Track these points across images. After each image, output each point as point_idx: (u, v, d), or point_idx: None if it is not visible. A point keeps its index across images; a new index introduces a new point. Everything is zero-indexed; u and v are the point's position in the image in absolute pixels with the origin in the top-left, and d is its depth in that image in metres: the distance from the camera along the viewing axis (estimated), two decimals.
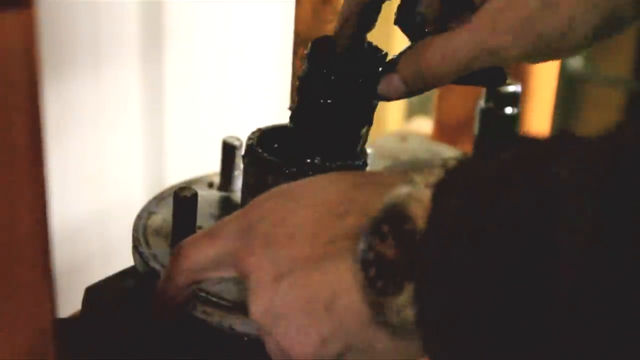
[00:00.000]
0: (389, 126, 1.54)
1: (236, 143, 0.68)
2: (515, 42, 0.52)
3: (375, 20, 0.58)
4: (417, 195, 0.39)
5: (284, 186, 0.48)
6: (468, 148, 0.81)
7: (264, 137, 0.62)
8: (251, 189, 0.61)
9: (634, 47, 1.89)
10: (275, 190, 0.48)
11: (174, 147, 1.13)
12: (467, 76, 0.56)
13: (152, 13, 1.05)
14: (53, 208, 0.40)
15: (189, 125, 1.15)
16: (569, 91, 1.93)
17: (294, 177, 0.58)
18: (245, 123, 0.66)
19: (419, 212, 0.38)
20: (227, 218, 0.49)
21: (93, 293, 0.60)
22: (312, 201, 0.45)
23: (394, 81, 0.59)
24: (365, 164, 0.61)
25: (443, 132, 0.91)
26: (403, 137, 0.90)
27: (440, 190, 0.39)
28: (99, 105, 1.01)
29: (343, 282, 0.41)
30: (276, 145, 0.63)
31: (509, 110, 0.76)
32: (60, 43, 0.94)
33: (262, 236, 0.45)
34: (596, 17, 0.50)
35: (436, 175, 0.39)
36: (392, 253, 0.39)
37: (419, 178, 0.40)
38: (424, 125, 0.98)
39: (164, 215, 0.64)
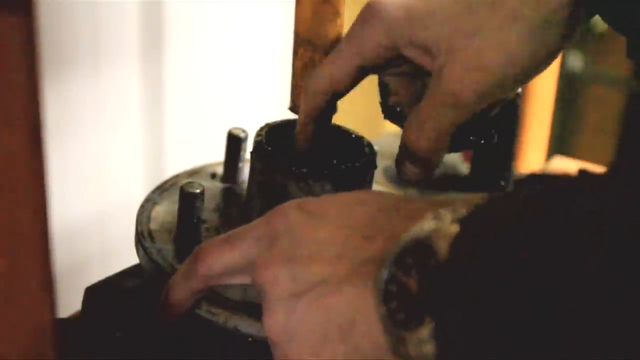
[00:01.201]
0: (388, 126, 1.54)
1: (242, 135, 0.68)
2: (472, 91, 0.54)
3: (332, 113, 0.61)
4: (443, 231, 0.39)
5: (310, 199, 0.48)
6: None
7: (272, 133, 0.62)
8: (259, 186, 0.61)
9: None
10: (300, 201, 0.47)
11: (173, 147, 1.13)
12: (457, 144, 0.58)
13: (152, 13, 1.05)
14: (53, 208, 0.40)
15: (189, 125, 1.15)
16: (569, 91, 1.93)
17: (303, 177, 0.58)
18: (246, 122, 0.66)
19: (444, 247, 0.38)
20: (249, 225, 0.49)
21: (93, 293, 0.60)
22: (338, 220, 0.45)
23: (407, 167, 0.59)
24: (374, 165, 0.61)
25: None
26: None
27: (464, 228, 0.39)
28: (99, 105, 1.01)
29: (363, 309, 0.41)
30: (282, 141, 0.62)
31: (508, 110, 0.76)
32: (60, 43, 0.94)
33: (285, 249, 0.45)
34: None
35: (463, 211, 0.39)
36: (414, 286, 0.39)
37: (445, 213, 0.40)
38: None
39: (167, 207, 0.63)
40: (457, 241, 0.38)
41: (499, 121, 0.62)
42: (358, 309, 0.41)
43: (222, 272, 0.48)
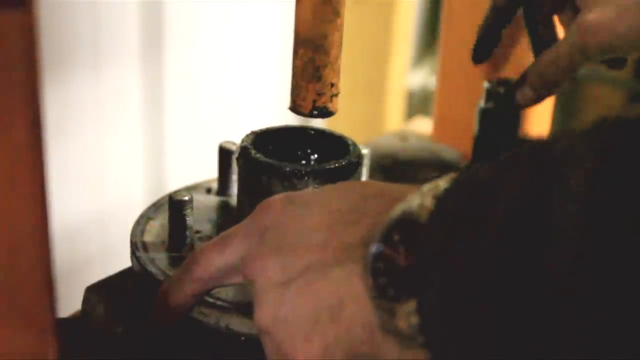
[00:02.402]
0: (388, 126, 1.54)
1: (232, 148, 0.68)
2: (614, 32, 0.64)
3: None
4: (426, 205, 0.39)
5: (293, 193, 0.48)
6: (468, 148, 0.81)
7: (258, 140, 0.63)
8: (246, 191, 0.62)
9: None
10: (285, 194, 0.48)
11: (173, 147, 1.13)
12: None
13: (152, 13, 1.05)
14: (53, 208, 0.40)
15: (189, 125, 1.15)
16: (569, 91, 1.93)
17: (288, 176, 0.59)
18: (245, 123, 0.66)
19: (425, 219, 0.39)
20: (239, 224, 0.49)
21: (93, 293, 0.60)
22: (323, 209, 0.45)
23: (525, 90, 0.71)
24: (359, 163, 0.62)
25: (443, 132, 0.91)
26: (403, 137, 0.91)
27: (442, 198, 0.39)
28: (99, 105, 1.01)
29: (352, 289, 0.41)
30: (270, 147, 0.63)
31: (508, 110, 0.76)
32: (60, 43, 0.94)
33: (272, 241, 0.45)
34: None
35: (442, 185, 0.40)
36: (403, 261, 0.39)
37: (426, 188, 0.40)
38: (424, 125, 0.98)
39: (162, 222, 0.64)
40: (434, 211, 0.39)
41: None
42: (347, 289, 0.41)
43: (217, 273, 0.49)
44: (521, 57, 0.84)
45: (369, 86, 1.55)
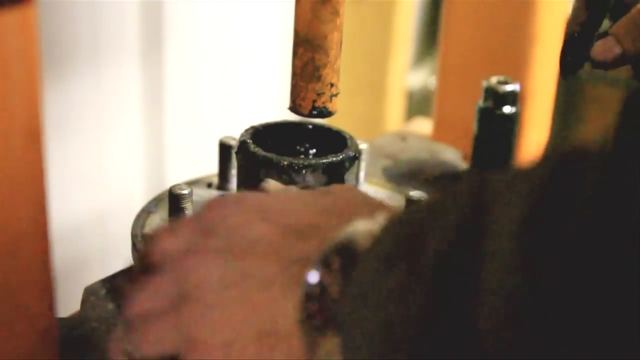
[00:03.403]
0: (388, 126, 1.54)
1: (232, 143, 0.69)
2: None
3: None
4: (367, 236, 0.38)
5: (251, 194, 0.47)
6: (468, 148, 0.81)
7: (258, 134, 0.64)
8: (245, 185, 0.63)
9: None
10: (240, 195, 0.47)
11: (173, 146, 1.13)
12: None
13: (152, 13, 1.05)
14: (53, 208, 0.40)
15: (189, 124, 1.15)
16: (569, 91, 1.93)
17: (285, 170, 0.59)
18: (246, 122, 0.66)
19: (364, 246, 0.38)
20: (187, 217, 0.48)
21: (92, 293, 0.60)
22: (277, 218, 0.44)
23: (609, 42, 0.61)
24: (356, 157, 0.62)
25: (443, 132, 0.91)
26: (403, 137, 0.91)
27: (381, 232, 0.38)
28: (99, 105, 1.01)
29: (286, 310, 0.40)
30: (269, 142, 0.64)
31: (507, 109, 0.76)
32: (60, 43, 0.94)
33: (217, 240, 0.43)
34: None
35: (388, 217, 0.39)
36: (336, 291, 0.38)
37: (381, 216, 0.39)
38: (424, 125, 0.98)
39: (162, 215, 0.65)
40: (370, 247, 0.38)
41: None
42: (281, 309, 0.40)
43: (165, 257, 0.46)
44: (521, 56, 0.84)
45: (369, 86, 1.55)
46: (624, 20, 0.61)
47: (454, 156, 0.86)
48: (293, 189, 0.54)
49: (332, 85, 0.61)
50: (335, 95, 0.62)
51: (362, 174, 0.71)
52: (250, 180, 0.62)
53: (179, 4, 1.07)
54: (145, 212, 0.66)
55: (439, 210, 0.36)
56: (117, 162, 1.06)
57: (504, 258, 0.31)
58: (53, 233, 0.40)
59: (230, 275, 0.42)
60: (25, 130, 0.37)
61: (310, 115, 0.61)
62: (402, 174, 0.81)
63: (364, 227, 0.39)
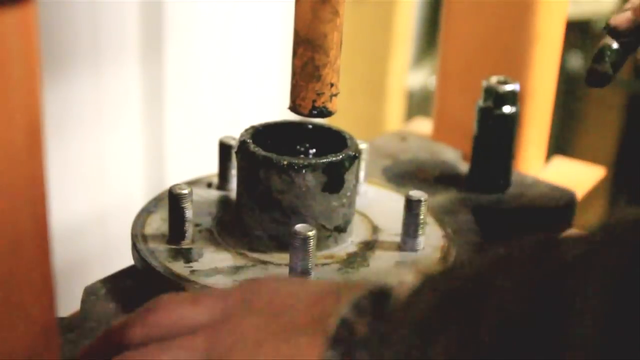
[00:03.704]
0: (388, 126, 1.54)
1: (232, 142, 0.69)
2: None
3: None
4: (406, 283, 0.39)
5: (260, 290, 0.47)
6: (468, 148, 0.81)
7: (258, 134, 0.64)
8: (245, 184, 0.63)
9: None
10: (251, 297, 0.47)
11: (173, 147, 1.13)
12: None
13: (152, 13, 1.05)
14: (53, 208, 0.40)
15: (189, 125, 1.15)
16: (569, 91, 1.92)
17: (285, 170, 0.59)
18: (246, 122, 0.66)
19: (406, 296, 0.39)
20: (213, 289, 0.48)
21: (92, 293, 0.60)
22: (305, 287, 0.45)
23: (625, 13, 0.65)
24: (356, 157, 0.62)
25: (443, 132, 0.91)
26: (403, 137, 0.90)
27: (424, 283, 0.39)
28: (99, 105, 1.01)
29: (312, 355, 0.41)
30: (269, 142, 0.64)
31: (507, 109, 0.76)
32: (60, 43, 0.94)
33: (250, 305, 0.45)
34: None
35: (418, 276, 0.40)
36: (364, 332, 0.39)
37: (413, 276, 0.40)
38: (424, 125, 0.98)
39: (162, 215, 0.65)
40: (416, 290, 0.38)
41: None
42: (308, 357, 0.41)
43: (177, 323, 0.46)
44: (521, 56, 0.84)
45: (369, 86, 1.55)
46: None
47: (454, 156, 0.86)
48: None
49: (332, 85, 0.61)
50: (335, 95, 0.62)
51: (362, 174, 0.71)
52: (250, 180, 0.62)
53: (179, 4, 1.07)
54: (146, 212, 0.66)
55: (500, 270, 0.35)
56: (117, 162, 1.06)
57: (593, 338, 0.30)
58: (53, 233, 0.40)
59: (263, 331, 0.43)
60: (26, 130, 0.37)
61: (310, 115, 0.62)
62: (402, 174, 0.81)
63: (397, 282, 0.40)
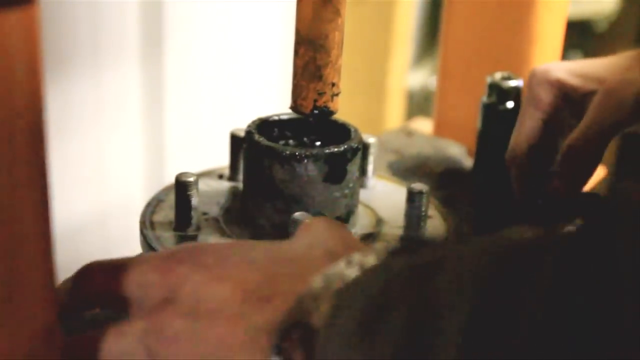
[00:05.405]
0: (388, 126, 1.54)
1: (242, 135, 0.70)
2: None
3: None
4: (322, 310, 0.39)
5: (206, 248, 0.46)
6: (471, 144, 0.82)
7: (264, 126, 0.65)
8: (250, 174, 0.63)
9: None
10: (195, 248, 0.46)
11: (173, 146, 1.13)
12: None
13: (152, 13, 1.05)
14: (53, 208, 0.40)
15: (189, 125, 1.15)
16: None
17: (288, 160, 0.60)
18: (246, 122, 0.66)
19: (320, 323, 0.39)
20: (143, 259, 0.47)
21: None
22: (237, 277, 0.44)
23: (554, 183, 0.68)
24: (359, 149, 0.63)
25: (443, 132, 0.91)
26: (408, 133, 0.91)
27: (336, 304, 0.39)
28: (99, 105, 1.01)
29: None
30: (275, 134, 0.65)
31: (510, 105, 0.76)
32: (60, 43, 0.94)
33: (184, 304, 0.44)
34: None
35: (339, 281, 0.40)
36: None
37: (321, 284, 0.40)
38: (424, 125, 0.98)
39: (172, 203, 0.66)
40: (329, 322, 0.39)
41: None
42: None
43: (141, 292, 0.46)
44: (521, 56, 0.84)
45: (369, 86, 1.55)
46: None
47: (459, 152, 0.87)
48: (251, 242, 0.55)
49: (333, 84, 0.61)
50: (337, 94, 0.62)
51: (370, 167, 0.72)
52: (254, 170, 0.63)
53: (179, 4, 1.07)
54: (156, 200, 0.67)
55: (392, 295, 0.37)
56: (117, 162, 1.06)
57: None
58: (53, 233, 0.40)
59: (197, 343, 0.42)
60: (28, 130, 0.37)
61: (312, 114, 0.62)
62: (407, 169, 0.81)
63: (312, 305, 0.40)
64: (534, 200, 0.72)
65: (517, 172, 0.71)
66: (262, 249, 0.46)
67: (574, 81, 0.70)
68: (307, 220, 0.50)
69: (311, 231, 0.48)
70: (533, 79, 0.71)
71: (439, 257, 0.38)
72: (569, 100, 0.70)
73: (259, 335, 0.41)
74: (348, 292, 0.40)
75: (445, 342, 0.34)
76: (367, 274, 0.40)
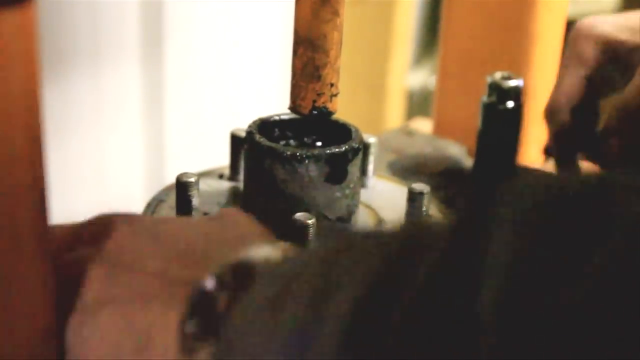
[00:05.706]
0: (388, 126, 1.54)
1: (243, 135, 0.70)
2: None
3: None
4: (271, 258, 0.39)
5: (144, 217, 0.47)
6: (471, 144, 0.82)
7: (265, 126, 0.65)
8: (251, 174, 0.64)
9: None
10: (135, 216, 0.47)
11: (173, 146, 1.13)
12: None
13: (152, 13, 1.05)
14: (53, 208, 0.40)
15: (189, 125, 1.15)
16: None
17: (288, 160, 0.60)
18: (246, 122, 0.66)
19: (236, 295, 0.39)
20: (86, 221, 0.47)
21: None
22: (168, 241, 0.44)
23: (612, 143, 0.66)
24: (359, 149, 0.63)
25: (443, 132, 0.91)
26: (408, 133, 0.91)
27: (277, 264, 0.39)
28: (99, 105, 1.01)
29: (165, 326, 0.40)
30: (276, 135, 0.65)
31: (511, 104, 0.76)
32: (60, 43, 0.94)
33: (107, 253, 0.43)
34: None
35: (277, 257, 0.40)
36: (224, 306, 0.39)
37: (275, 249, 0.40)
38: (424, 125, 0.98)
39: (172, 204, 0.66)
40: (266, 273, 0.39)
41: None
42: (160, 326, 0.40)
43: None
44: (521, 56, 0.84)
45: (369, 86, 1.55)
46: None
47: (459, 152, 0.87)
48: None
49: (332, 85, 0.61)
50: (336, 95, 0.62)
51: (370, 167, 0.72)
52: (255, 171, 0.63)
53: (179, 3, 1.07)
54: (156, 200, 0.67)
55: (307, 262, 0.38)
56: (117, 162, 1.06)
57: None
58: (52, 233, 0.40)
59: (114, 290, 0.42)
60: (26, 130, 0.37)
61: (311, 115, 0.62)
62: (407, 169, 0.82)
63: (261, 254, 0.40)
64: (573, 160, 0.69)
65: (557, 130, 0.69)
66: (204, 229, 0.46)
67: (621, 35, 0.67)
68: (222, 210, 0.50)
69: (235, 217, 0.48)
70: (577, 34, 0.69)
71: (350, 244, 0.37)
72: (614, 56, 0.68)
73: (179, 287, 0.41)
74: (268, 269, 0.39)
75: (334, 318, 0.33)
76: (290, 256, 0.40)
